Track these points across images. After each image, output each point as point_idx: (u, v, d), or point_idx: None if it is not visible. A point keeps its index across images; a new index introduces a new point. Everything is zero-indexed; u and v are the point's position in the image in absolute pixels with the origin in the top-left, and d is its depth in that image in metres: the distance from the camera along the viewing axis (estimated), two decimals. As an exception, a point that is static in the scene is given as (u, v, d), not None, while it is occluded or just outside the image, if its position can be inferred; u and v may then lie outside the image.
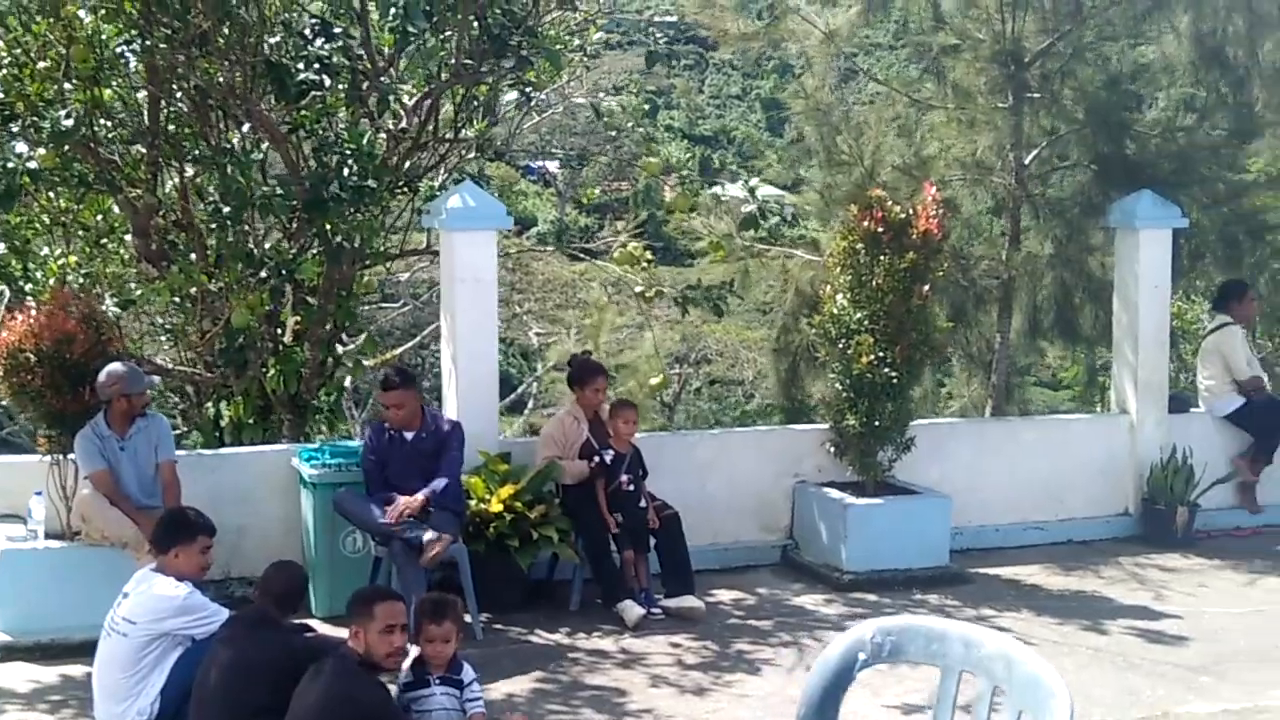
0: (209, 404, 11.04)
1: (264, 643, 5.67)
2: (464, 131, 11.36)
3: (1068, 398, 18.19)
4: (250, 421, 10.66)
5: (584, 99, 16.96)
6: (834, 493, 9.49)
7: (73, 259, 10.40)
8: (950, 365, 13.27)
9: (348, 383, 11.98)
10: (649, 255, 11.50)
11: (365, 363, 12.34)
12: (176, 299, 10.47)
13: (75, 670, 7.04)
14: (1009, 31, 11.26)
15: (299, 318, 10.70)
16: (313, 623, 7.33)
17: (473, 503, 8.37)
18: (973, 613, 8.68)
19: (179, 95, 10.30)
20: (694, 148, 43.77)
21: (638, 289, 12.01)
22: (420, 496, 7.84)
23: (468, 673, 5.81)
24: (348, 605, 5.54)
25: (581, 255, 15.47)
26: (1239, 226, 11.49)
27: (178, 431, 11.82)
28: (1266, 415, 10.72)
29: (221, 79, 9.98)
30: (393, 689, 5.64)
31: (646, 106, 12.77)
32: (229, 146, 10.12)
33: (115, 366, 7.77)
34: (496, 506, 8.34)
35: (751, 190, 11.01)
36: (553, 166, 31.10)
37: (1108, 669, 7.74)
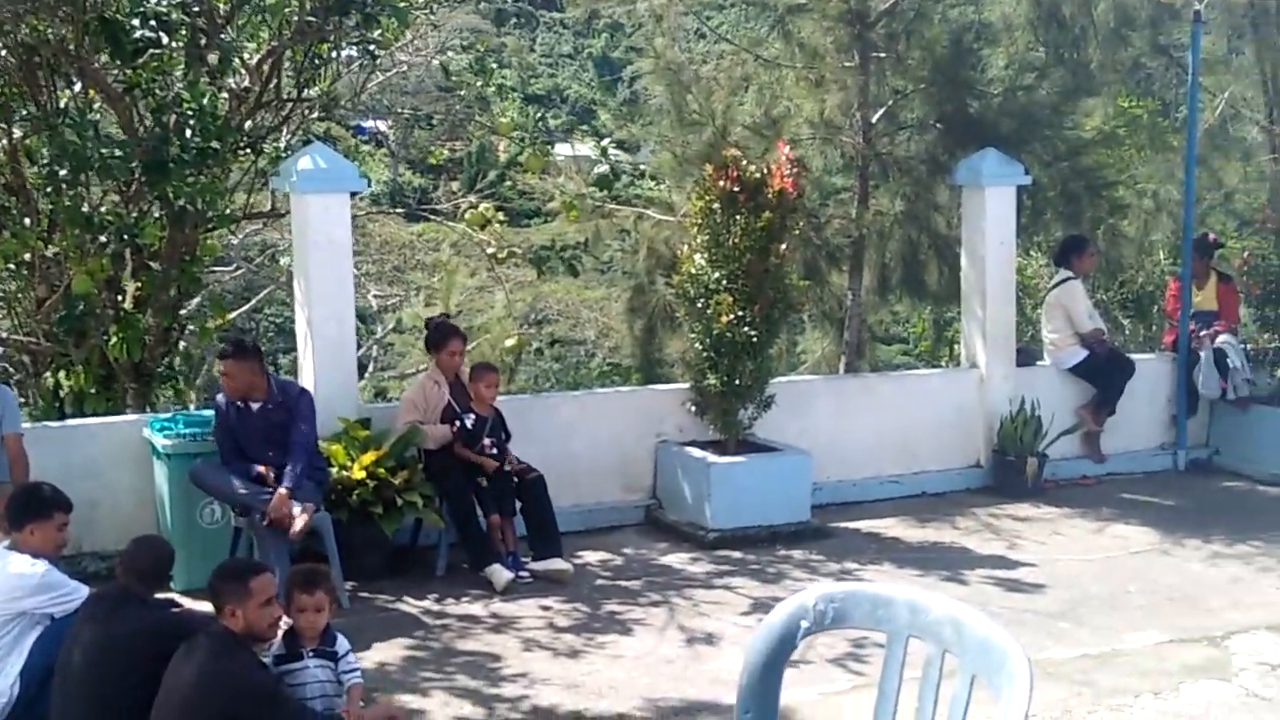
0: (47, 374, 10.60)
1: (129, 620, 5.44)
2: (307, 91, 11.07)
3: (915, 353, 18.46)
4: (93, 391, 10.26)
5: (428, 57, 16.67)
6: (696, 452, 9.50)
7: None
8: (804, 323, 13.38)
9: (200, 349, 11.58)
10: (501, 216, 11.36)
11: (209, 327, 11.98)
12: (10, 265, 10.00)
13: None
14: (856, -8, 11.33)
15: (140, 283, 10.33)
16: (175, 597, 7.07)
17: (334, 470, 8.18)
18: (836, 566, 8.77)
19: (4, 52, 9.82)
20: (528, 107, 43.40)
21: (489, 250, 11.89)
22: (283, 491, 7.58)
23: (342, 644, 5.64)
24: (214, 582, 5.30)
25: (426, 216, 15.22)
26: (1078, 183, 11.76)
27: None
28: (1108, 366, 11.03)
29: (51, 35, 9.56)
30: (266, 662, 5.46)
31: (490, 66, 12.56)
32: (62, 107, 9.69)
33: (-49, 338, 7.39)
34: (359, 473, 8.17)
35: (604, 150, 10.92)
36: (382, 126, 30.53)
37: (971, 617, 7.88)
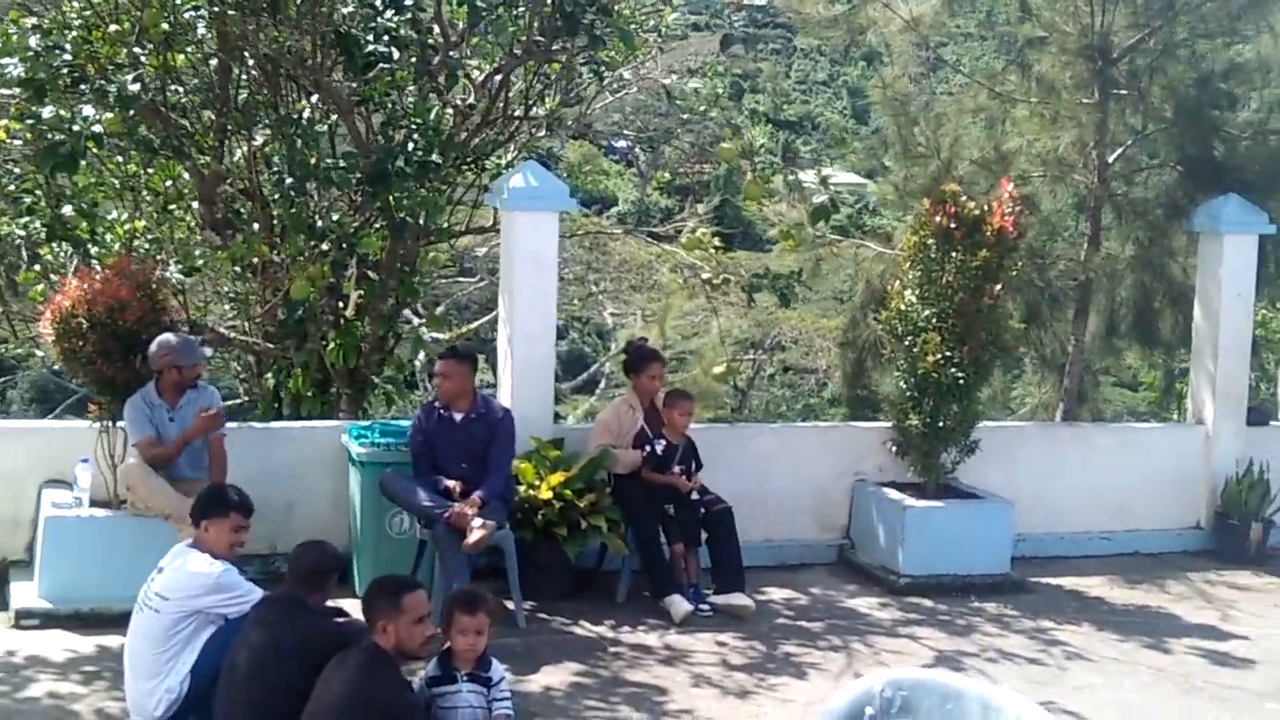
0: (269, 375, 10.98)
1: (296, 626, 5.56)
2: (535, 109, 11.22)
3: (1146, 401, 17.72)
4: (309, 394, 10.59)
5: (665, 79, 16.74)
6: (893, 493, 9.26)
7: (140, 224, 10.36)
8: (1023, 366, 12.93)
9: (412, 358, 11.84)
10: (716, 241, 11.29)
11: (428, 339, 12.23)
12: (239, 268, 10.41)
13: (112, 641, 6.95)
14: (1097, 26, 10.90)
15: (361, 292, 10.61)
16: (352, 604, 7.22)
17: (522, 489, 8.23)
18: (1031, 624, 8.43)
19: (250, 63, 10.23)
20: (778, 133, 43.35)
21: (704, 275, 11.83)
22: (476, 498, 7.69)
23: (496, 670, 5.62)
24: (368, 597, 5.37)
25: (652, 239, 15.28)
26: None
27: (238, 401, 11.83)
28: (1350, 432, 10.34)
29: (291, 48, 9.91)
30: (416, 682, 5.49)
31: (720, 90, 12.52)
32: (296, 117, 10.04)
33: (167, 337, 7.71)
34: (546, 494, 8.20)
35: (824, 180, 10.70)
36: (636, 147, 30.90)
37: (1170, 691, 7.48)
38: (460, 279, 18.42)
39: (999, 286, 9.04)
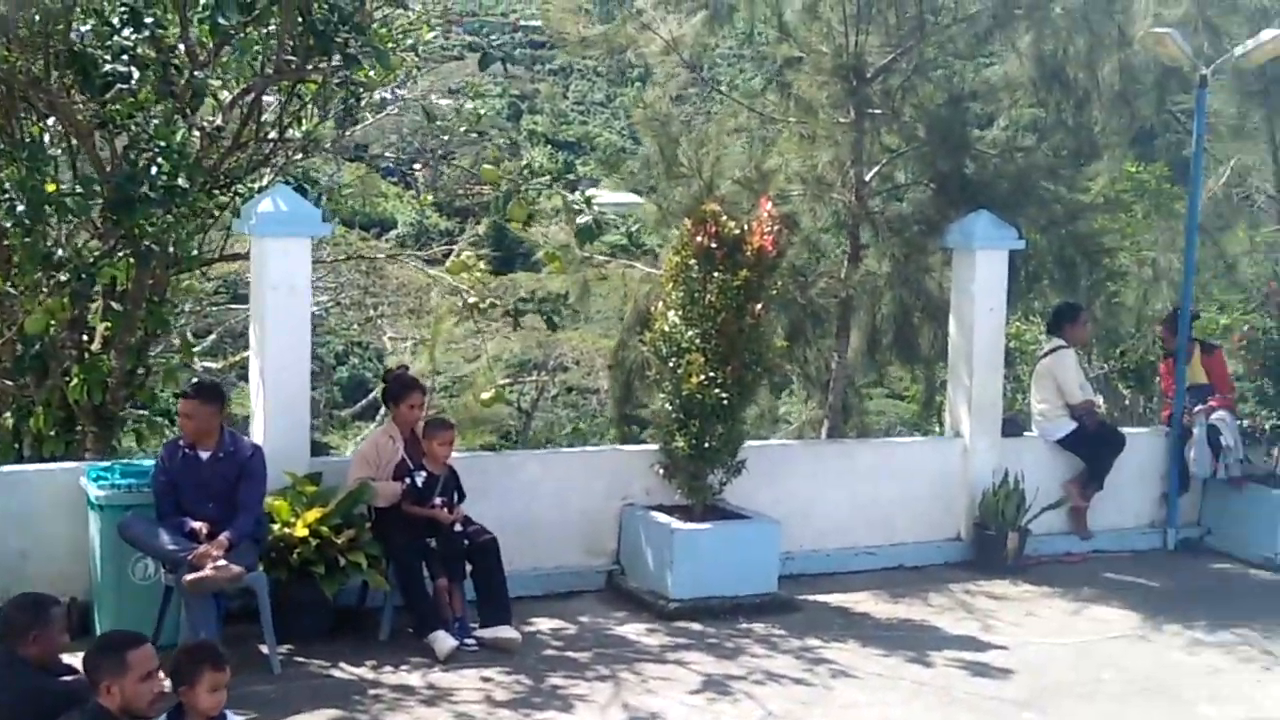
0: (8, 414, 10.37)
1: (10, 687, 5.17)
2: (291, 131, 10.88)
3: (911, 412, 18.12)
4: (52, 434, 10.03)
5: (442, 100, 16.52)
6: (661, 516, 9.19)
7: None
8: (790, 384, 13.05)
9: (164, 391, 11.33)
10: (482, 265, 11.12)
11: (199, 369, 11.77)
12: (-30, 302, 9.80)
13: None
14: (851, 46, 11.05)
15: (108, 324, 10.10)
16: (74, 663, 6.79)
17: (276, 527, 7.90)
18: (798, 643, 8.44)
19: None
20: (557, 153, 43.37)
21: (470, 299, 11.65)
22: (223, 539, 7.31)
23: (231, 724, 5.31)
24: (89, 657, 5.01)
25: (427, 262, 15.01)
26: (1075, 249, 11.43)
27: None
28: (1098, 440, 10.68)
29: (23, 68, 9.39)
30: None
31: (483, 111, 12.35)
32: (28, 140, 9.51)
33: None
34: (301, 531, 7.89)
35: (588, 200, 10.64)
36: (416, 167, 30.37)
37: (931, 704, 7.56)
38: (234, 305, 17.81)
39: (760, 306, 9.06)
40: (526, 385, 24.22)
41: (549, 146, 43.98)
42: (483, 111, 12.22)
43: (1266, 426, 10.94)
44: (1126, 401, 14.77)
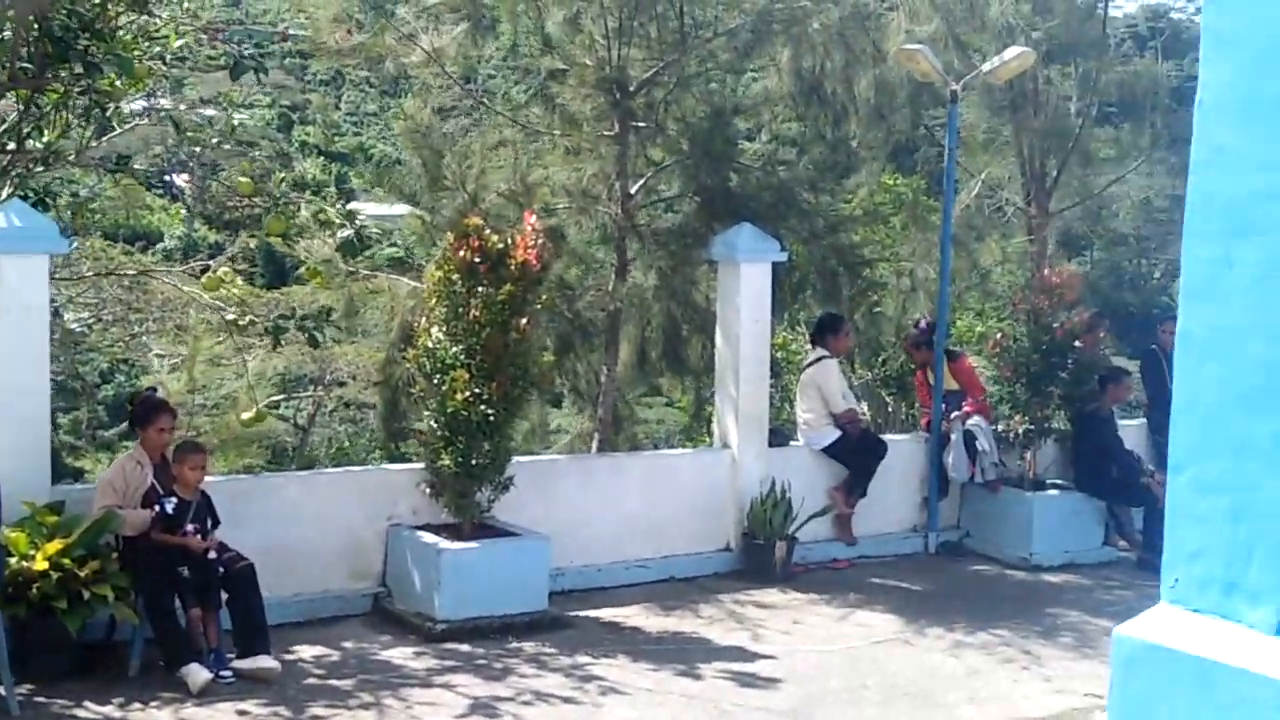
0: None
1: None
2: (30, 142, 10.32)
3: (685, 423, 18.24)
4: None
5: (208, 110, 15.97)
6: (428, 536, 8.99)
7: None
8: (562, 398, 12.98)
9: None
10: (239, 280, 10.73)
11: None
12: None
13: None
14: (614, 59, 11.05)
15: None
16: None
17: (13, 561, 7.43)
18: (568, 660, 8.34)
19: None
20: (330, 164, 42.63)
21: (229, 315, 11.23)
22: None
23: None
24: None
25: (167, 276, 14.42)
26: (837, 260, 11.65)
27: None
28: (861, 448, 10.89)
29: None
30: None
31: (250, 121, 11.97)
32: None
33: None
34: (41, 564, 7.44)
35: (349, 214, 10.38)
36: (181, 180, 29.42)
37: (700, 717, 7.54)
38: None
39: (525, 320, 8.94)
40: (303, 401, 23.67)
41: (322, 158, 43.21)
42: (245, 122, 11.84)
43: (1020, 430, 11.31)
44: (890, 409, 15.13)
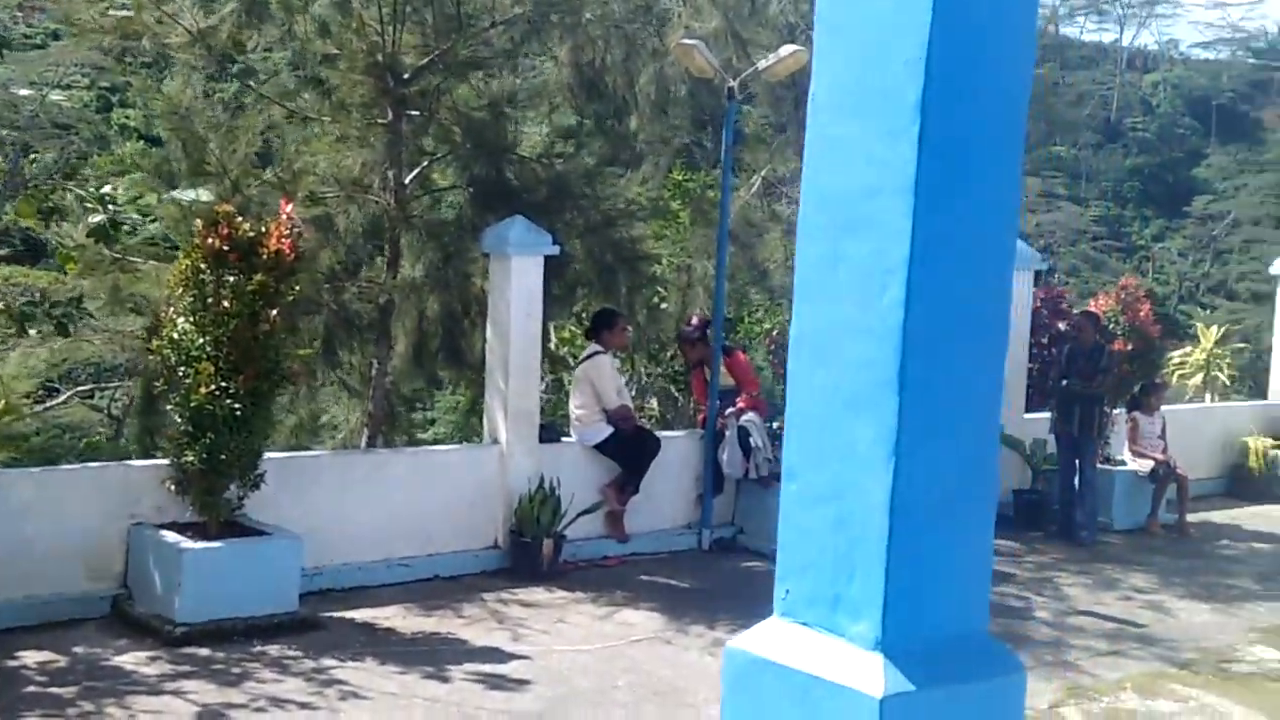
0: None
1: None
2: None
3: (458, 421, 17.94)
4: None
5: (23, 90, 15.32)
6: (171, 535, 8.62)
7: None
8: (337, 393, 12.60)
9: None
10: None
11: None
12: None
13: None
14: (387, 44, 10.76)
15: None
16: None
17: None
18: (313, 664, 8.05)
19: None
20: (151, 149, 41.27)
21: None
22: None
23: None
24: None
25: None
26: (614, 255, 11.53)
27: None
28: (634, 444, 10.79)
29: None
30: None
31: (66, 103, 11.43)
32: None
33: None
34: None
35: (100, 199, 9.94)
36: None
37: (440, 722, 7.33)
38: None
39: (276, 311, 8.63)
40: (117, 392, 22.86)
41: (142, 141, 41.81)
42: (61, 103, 11.33)
43: (793, 427, 11.30)
44: (680, 404, 15.10)
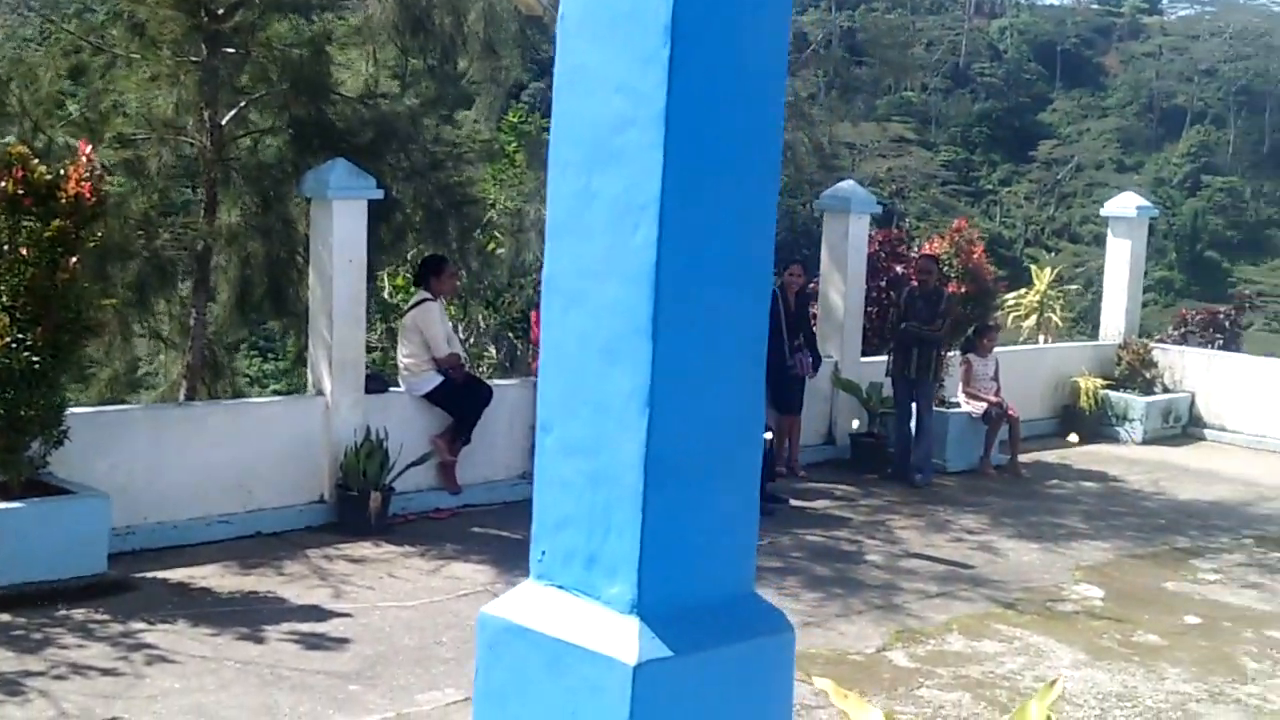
0: None
1: None
2: None
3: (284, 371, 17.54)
4: None
5: None
6: (-33, 497, 8.18)
7: None
8: (156, 344, 12.11)
9: None
10: None
11: None
12: None
13: None
14: (199, -22, 10.28)
15: None
16: None
17: None
18: (120, 628, 7.71)
19: None
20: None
21: None
22: None
23: None
24: None
25: None
26: (442, 199, 11.21)
27: None
28: (465, 393, 10.52)
29: None
30: None
31: None
32: None
33: None
34: None
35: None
36: None
37: (252, 685, 7.05)
38: None
39: (76, 259, 8.20)
40: None
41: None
42: None
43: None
44: (519, 351, 14.86)
